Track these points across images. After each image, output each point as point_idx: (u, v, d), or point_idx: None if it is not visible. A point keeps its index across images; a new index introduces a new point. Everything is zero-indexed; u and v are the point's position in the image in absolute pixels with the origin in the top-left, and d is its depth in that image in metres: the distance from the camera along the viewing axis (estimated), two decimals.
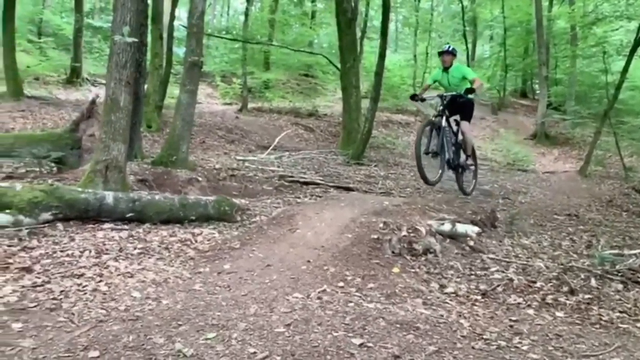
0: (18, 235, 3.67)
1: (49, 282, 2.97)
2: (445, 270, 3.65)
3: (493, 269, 3.81)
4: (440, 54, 6.41)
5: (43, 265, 3.21)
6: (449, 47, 6.37)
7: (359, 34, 15.25)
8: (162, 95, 11.81)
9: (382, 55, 10.70)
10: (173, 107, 11.09)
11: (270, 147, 10.17)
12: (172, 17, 12.90)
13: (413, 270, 3.53)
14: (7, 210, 3.85)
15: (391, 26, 20.63)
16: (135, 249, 3.78)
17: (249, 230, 4.38)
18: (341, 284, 3.16)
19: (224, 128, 12.56)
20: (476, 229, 4.28)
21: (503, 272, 3.78)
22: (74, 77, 15.92)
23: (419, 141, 5.66)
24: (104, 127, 5.11)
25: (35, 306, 2.67)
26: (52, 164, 6.14)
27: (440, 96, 6.17)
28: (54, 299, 2.78)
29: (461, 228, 4.17)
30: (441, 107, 6.07)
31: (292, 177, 7.33)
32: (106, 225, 4.22)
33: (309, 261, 3.47)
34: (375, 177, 8.08)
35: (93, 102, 6.32)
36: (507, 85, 22.34)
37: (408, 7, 23.34)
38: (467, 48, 20.99)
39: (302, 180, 7.15)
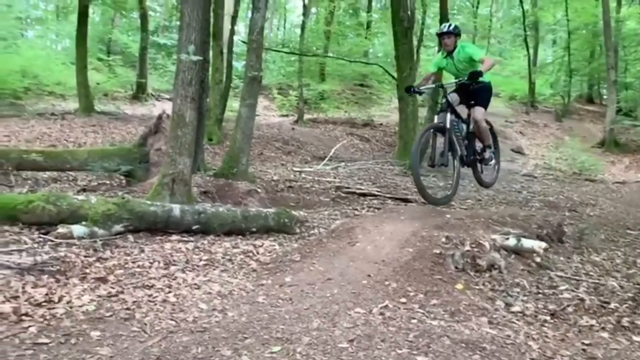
0: (93, 246, 3.89)
1: (122, 293, 3.13)
2: (510, 288, 3.53)
3: (562, 288, 3.65)
4: (440, 35, 5.35)
5: (116, 276, 3.39)
6: (450, 25, 5.33)
7: (415, 42, 15.11)
8: (222, 108, 12.18)
9: None
10: (233, 120, 11.46)
11: (326, 158, 10.25)
12: (232, 33, 13.33)
13: (477, 286, 3.44)
14: (84, 222, 4.10)
15: None
16: (200, 260, 3.92)
17: (309, 242, 4.42)
18: (403, 299, 3.13)
19: (281, 140, 12.78)
20: (543, 244, 4.11)
21: (573, 291, 3.60)
22: (139, 92, 16.75)
23: (417, 152, 4.84)
24: (171, 141, 5.33)
25: (110, 315, 2.81)
26: (122, 177, 6.48)
27: (440, 86, 5.29)
28: (127, 309, 2.92)
29: (527, 243, 4.02)
30: (444, 101, 5.18)
31: (348, 188, 7.34)
32: (173, 237, 4.40)
33: (369, 275, 3.46)
34: (433, 188, 7.93)
35: (160, 117, 6.62)
36: (572, 91, 21.40)
37: (466, 14, 22.91)
38: (528, 53, 20.33)
39: (359, 191, 7.15)
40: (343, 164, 10.01)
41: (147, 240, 4.24)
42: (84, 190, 5.85)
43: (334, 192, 7.16)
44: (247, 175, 7.38)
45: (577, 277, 3.92)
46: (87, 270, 3.41)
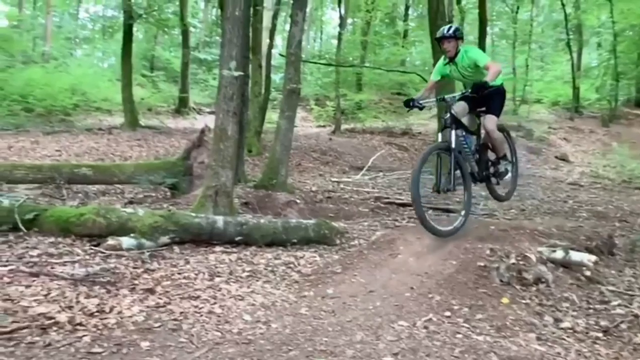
0: (141, 258, 4.01)
1: (169, 304, 3.21)
2: (559, 303, 3.41)
3: (614, 303, 3.50)
4: (439, 40, 4.65)
5: (164, 287, 3.48)
6: (449, 28, 4.64)
7: None
8: (261, 121, 12.39)
9: None
10: (271, 132, 11.63)
11: (365, 168, 10.23)
12: (270, 46, 13.57)
13: (524, 301, 3.35)
14: (132, 234, 4.24)
15: (487, 40, 20.02)
16: (244, 271, 3.98)
17: (350, 254, 4.42)
18: (447, 313, 3.08)
19: (319, 150, 12.86)
20: (592, 257, 3.96)
21: (626, 306, 3.46)
22: (181, 106, 17.25)
23: (417, 177, 4.08)
24: (214, 155, 5.46)
25: (159, 326, 2.89)
26: (167, 190, 6.68)
27: (442, 99, 4.51)
28: (174, 319, 3.00)
29: (575, 256, 3.88)
30: (447, 116, 4.44)
31: (387, 198, 7.30)
32: (217, 248, 4.49)
33: (412, 288, 3.43)
34: (476, 198, 7.78)
35: (203, 131, 6.79)
36: (619, 95, 20.60)
37: (505, 19, 22.50)
38: (571, 57, 19.74)
39: (398, 201, 7.10)
40: (381, 173, 9.97)
41: (192, 252, 4.34)
42: (131, 202, 6.05)
43: (373, 203, 7.14)
44: (286, 186, 7.46)
45: (630, 292, 3.76)
46: (136, 282, 3.52)
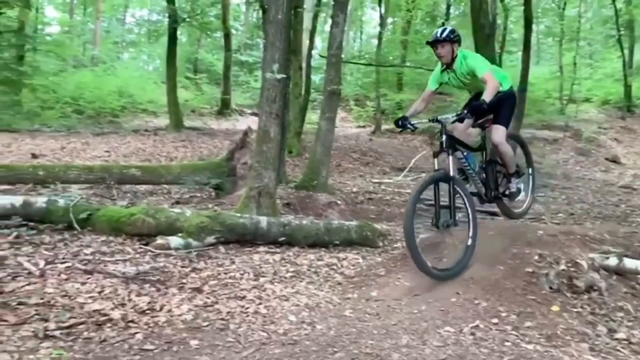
0: (188, 257, 4.12)
1: (216, 303, 3.29)
2: (613, 312, 3.28)
3: None
4: (432, 44, 4.06)
5: (211, 287, 3.56)
6: (443, 31, 4.06)
7: (497, 49, 14.61)
8: (301, 122, 12.47)
9: (525, 70, 10.17)
10: (311, 133, 11.69)
11: (406, 169, 10.14)
12: (310, 47, 13.65)
13: (575, 309, 3.24)
14: (179, 234, 4.36)
15: (532, 37, 19.44)
16: (287, 272, 4.02)
17: (393, 257, 4.40)
18: (495, 320, 3.02)
19: (359, 151, 12.82)
20: None
21: None
22: (224, 108, 17.58)
23: (412, 212, 3.66)
24: (257, 156, 5.54)
25: (207, 325, 2.97)
26: (211, 190, 6.82)
27: (435, 120, 3.92)
28: (222, 319, 3.07)
29: (630, 263, 3.72)
30: (443, 139, 3.86)
31: (429, 200, 7.19)
32: (261, 249, 4.55)
33: (458, 293, 3.38)
34: (439, 256, 7.59)
35: (246, 133, 6.90)
36: None
37: (551, 16, 21.80)
38: (623, 54, 18.93)
39: (442, 203, 6.98)
40: (424, 174, 9.84)
41: (237, 252, 4.42)
42: (178, 202, 6.22)
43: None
44: (327, 187, 7.48)
45: None
46: (184, 280, 3.62)
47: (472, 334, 2.85)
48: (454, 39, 4.02)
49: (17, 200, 4.53)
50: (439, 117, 3.91)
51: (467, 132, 4.33)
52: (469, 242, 3.82)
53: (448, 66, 4.13)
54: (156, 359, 2.51)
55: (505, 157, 4.35)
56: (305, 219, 5.27)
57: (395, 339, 2.75)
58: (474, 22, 11.54)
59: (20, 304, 2.96)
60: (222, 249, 4.44)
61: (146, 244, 4.28)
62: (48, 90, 15.69)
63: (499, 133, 4.21)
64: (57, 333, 2.65)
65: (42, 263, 3.62)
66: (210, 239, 4.44)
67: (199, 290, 3.48)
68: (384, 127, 16.26)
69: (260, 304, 3.33)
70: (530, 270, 3.52)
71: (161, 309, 3.11)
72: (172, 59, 14.65)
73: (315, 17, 14.62)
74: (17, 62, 15.14)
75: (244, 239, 4.62)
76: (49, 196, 4.85)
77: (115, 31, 26.31)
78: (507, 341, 2.77)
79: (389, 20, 22.26)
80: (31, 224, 4.42)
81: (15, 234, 4.20)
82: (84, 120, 14.69)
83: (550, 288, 3.41)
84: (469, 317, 3.06)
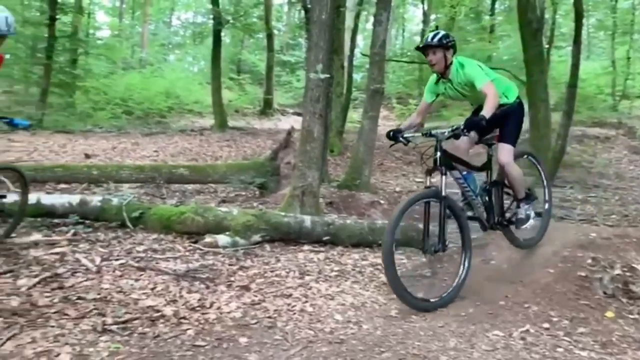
0: (235, 255, 4.21)
1: (264, 301, 3.35)
2: None
3: None
4: (423, 50, 3.66)
5: (258, 284, 3.63)
6: (435, 35, 3.59)
7: (545, 44, 14.16)
8: (343, 121, 12.47)
9: (575, 65, 9.80)
10: (352, 132, 11.67)
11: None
12: (353, 46, 13.63)
13: (631, 316, 3.11)
14: (227, 232, 4.47)
15: (583, 31, 18.73)
16: (332, 271, 4.05)
17: (439, 258, 4.34)
18: (546, 325, 2.95)
19: (401, 150, 12.68)
20: None
21: None
22: (266, 108, 17.82)
23: (392, 234, 3.24)
24: (300, 156, 5.60)
25: (255, 323, 3.03)
26: (256, 189, 6.94)
27: (429, 134, 3.52)
28: (269, 317, 3.12)
29: None
30: (437, 155, 3.46)
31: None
32: (305, 247, 4.60)
33: (507, 296, 3.31)
34: (571, 201, 7.35)
35: (289, 133, 6.98)
36: None
37: (603, 9, 20.90)
38: None
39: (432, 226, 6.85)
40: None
41: (282, 250, 4.49)
42: (224, 201, 6.35)
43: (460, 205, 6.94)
44: (370, 186, 7.46)
45: None
46: (232, 278, 3.71)
47: (523, 338, 2.79)
48: (447, 44, 3.56)
49: (74, 199, 4.76)
50: (433, 131, 3.49)
51: (471, 150, 3.89)
52: (461, 272, 3.45)
53: (443, 75, 3.68)
54: (207, 356, 2.57)
55: (513, 179, 3.82)
56: (348, 219, 5.29)
57: (442, 342, 2.73)
58: (521, 17, 11.22)
59: (79, 298, 3.12)
60: (267, 247, 4.52)
61: (195, 242, 4.41)
62: (99, 92, 16.32)
63: (504, 152, 3.73)
64: (114, 328, 2.77)
65: (98, 260, 3.79)
66: (256, 238, 4.53)
67: (246, 288, 3.56)
68: (426, 125, 16.06)
69: (306, 302, 3.37)
70: (582, 274, 3.41)
71: (211, 306, 3.20)
72: (216, 60, 14.96)
73: (357, 16, 14.59)
74: (70, 66, 15.86)
75: (288, 237, 4.68)
76: (103, 195, 5.06)
77: (162, 34, 27.12)
78: (560, 347, 2.69)
79: (432, 17, 21.93)
80: (87, 221, 4.64)
81: (72, 231, 4.42)
82: (133, 120, 15.21)
83: (605, 293, 3.29)
84: (518, 321, 2.99)
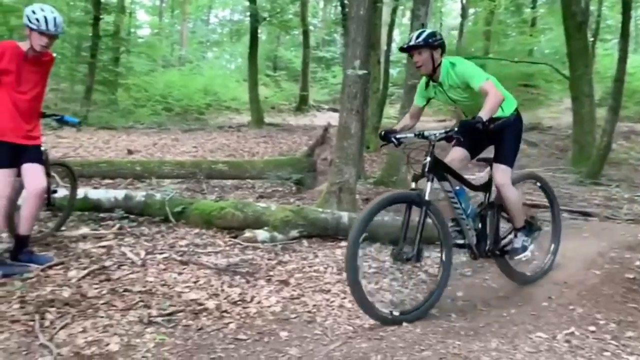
0: (274, 250, 4.27)
1: (303, 296, 3.39)
2: None
3: None
4: (408, 51, 3.33)
5: (296, 279, 3.68)
6: (420, 35, 3.23)
7: (589, 37, 13.66)
8: (379, 117, 12.40)
9: (622, 59, 9.41)
10: (388, 127, 11.59)
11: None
12: (389, 41, 13.52)
13: None
14: (266, 228, 4.53)
15: (630, 24, 17.93)
16: (370, 267, 4.05)
17: (541, 230, 4.22)
18: (592, 328, 2.86)
19: (439, 145, 12.50)
20: None
21: None
22: (302, 104, 17.93)
23: (357, 237, 2.97)
24: (337, 152, 5.61)
25: (295, 317, 3.07)
26: (292, 185, 6.99)
27: (421, 135, 3.17)
28: (309, 312, 3.16)
29: None
30: (427, 160, 3.13)
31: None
32: (342, 243, 4.60)
33: (550, 297, 3.24)
34: (617, 200, 7.07)
35: (326, 129, 7.00)
36: None
37: None
38: None
39: (528, 202, 6.68)
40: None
41: (320, 246, 4.52)
42: (262, 197, 6.44)
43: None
44: (406, 183, 7.40)
45: None
46: (271, 273, 3.76)
47: (567, 341, 2.72)
48: (433, 43, 3.19)
49: (120, 194, 4.92)
50: (425, 133, 3.15)
51: (466, 164, 3.49)
52: (435, 287, 3.17)
53: (432, 78, 3.31)
54: (249, 349, 2.63)
55: (510, 204, 3.40)
56: (386, 216, 5.26)
57: (484, 342, 2.69)
58: (565, 9, 10.88)
59: (126, 290, 3.24)
60: (305, 242, 4.55)
61: (235, 237, 4.49)
62: (140, 89, 16.80)
63: (499, 173, 3.33)
64: (159, 320, 2.86)
65: (142, 253, 3.92)
66: (294, 233, 4.57)
67: (285, 282, 3.61)
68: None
69: (344, 298, 3.38)
70: (631, 276, 3.30)
71: (251, 300, 3.26)
72: (253, 57, 15.15)
73: (393, 11, 14.48)
74: (113, 64, 16.37)
75: (325, 233, 4.70)
76: (147, 190, 5.21)
77: (200, 31, 27.61)
78: (606, 351, 2.61)
79: (471, 10, 21.47)
80: (132, 216, 4.79)
81: (118, 225, 4.57)
82: (172, 117, 15.58)
83: None
84: (562, 323, 2.92)
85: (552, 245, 3.74)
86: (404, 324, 2.97)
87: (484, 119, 2.89)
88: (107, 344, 2.56)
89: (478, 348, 2.62)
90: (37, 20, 3.33)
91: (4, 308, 2.86)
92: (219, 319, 2.97)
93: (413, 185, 3.14)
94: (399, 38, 20.79)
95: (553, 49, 19.84)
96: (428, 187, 3.09)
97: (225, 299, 3.23)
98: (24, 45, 3.44)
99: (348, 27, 5.95)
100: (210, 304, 3.13)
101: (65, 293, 3.12)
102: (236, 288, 3.42)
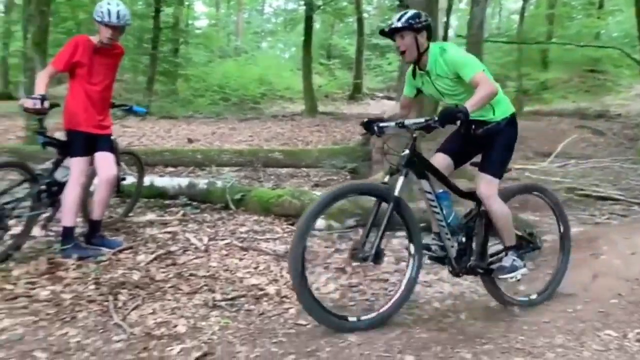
0: (330, 238, 4.31)
1: (360, 284, 3.41)
2: None
3: None
4: (390, 35, 2.89)
5: (353, 268, 3.69)
6: (402, 16, 2.82)
7: None
8: (435, 104, 12.15)
9: None
10: None
11: (553, 155, 9.37)
12: (446, 27, 13.18)
13: None
14: (322, 216, 4.56)
15: None
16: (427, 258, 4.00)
17: (541, 250, 4.13)
18: None
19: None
20: None
21: None
22: (355, 92, 17.84)
23: (303, 236, 2.63)
24: (394, 141, 5.55)
25: (353, 305, 3.10)
26: (347, 174, 7.00)
27: (401, 125, 2.77)
28: (366, 300, 3.18)
29: None
30: (405, 153, 2.78)
31: (582, 190, 6.60)
32: (399, 233, 4.49)
33: (620, 295, 3.10)
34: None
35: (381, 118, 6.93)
36: None
37: None
38: None
39: (595, 194, 6.38)
40: (573, 161, 9.03)
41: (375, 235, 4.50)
42: (317, 185, 6.49)
43: (564, 194, 6.53)
44: (465, 172, 7.21)
45: None
46: (329, 261, 3.81)
47: (639, 340, 2.60)
48: (416, 25, 2.77)
49: (183, 182, 5.12)
50: (406, 122, 2.77)
51: (449, 173, 3.04)
52: (397, 295, 2.83)
53: (418, 66, 2.91)
54: (309, 334, 2.67)
55: (496, 219, 2.96)
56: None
57: (548, 338, 2.62)
58: None
59: (191, 275, 3.37)
60: (360, 231, 4.55)
61: (292, 224, 4.56)
62: (199, 80, 17.27)
63: (484, 184, 2.92)
64: (223, 304, 2.97)
65: (205, 239, 4.06)
66: (350, 222, 4.59)
67: (342, 270, 3.64)
68: (526, 108, 15.20)
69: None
70: None
71: (310, 286, 3.30)
72: (307, 46, 15.21)
73: None
74: (173, 55, 16.90)
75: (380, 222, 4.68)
76: (209, 178, 5.38)
77: (255, 21, 27.97)
78: None
79: None
80: (194, 203, 4.97)
81: (182, 212, 4.76)
82: (229, 107, 15.94)
83: None
84: (634, 322, 2.78)
85: (557, 268, 3.33)
86: (463, 316, 2.93)
87: (469, 110, 2.55)
88: (175, 326, 2.68)
89: (542, 344, 2.55)
90: (102, 13, 3.50)
91: (81, 289, 3.06)
92: (279, 304, 3.04)
93: (386, 179, 2.81)
94: (455, 24, 20.21)
95: (622, 31, 18.67)
96: (400, 182, 2.75)
97: (284, 284, 3.30)
98: (95, 39, 3.62)
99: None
100: (271, 289, 3.21)
101: (135, 276, 3.29)
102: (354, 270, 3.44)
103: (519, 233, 3.19)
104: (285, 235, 4.34)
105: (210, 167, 6.64)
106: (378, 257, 2.74)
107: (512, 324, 2.83)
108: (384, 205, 2.76)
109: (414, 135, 2.78)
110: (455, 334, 2.69)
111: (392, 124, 2.88)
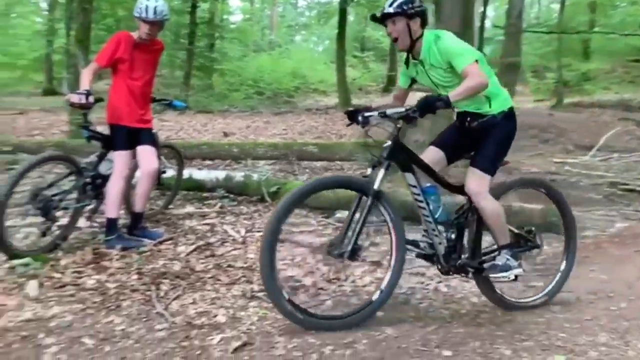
0: (366, 232, 4.30)
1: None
2: None
3: None
4: (382, 21, 2.75)
5: (388, 261, 3.68)
6: (392, 2, 2.67)
7: None
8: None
9: None
10: None
11: (595, 148, 9.09)
12: (483, 18, 12.91)
13: None
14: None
15: None
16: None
17: (583, 246, 4.03)
18: None
19: (537, 127, 11.80)
20: None
21: None
22: (389, 85, 17.67)
23: (274, 235, 2.61)
24: (429, 134, 5.50)
25: (392, 299, 3.09)
26: None
27: (384, 115, 2.65)
28: (403, 293, 3.18)
29: None
30: (387, 144, 2.72)
31: (626, 185, 6.39)
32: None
33: None
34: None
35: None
36: None
37: None
38: None
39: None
40: (616, 154, 8.73)
41: (410, 229, 4.47)
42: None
43: (606, 189, 6.33)
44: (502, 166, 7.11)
45: None
46: (364, 254, 3.79)
47: None
48: (408, 11, 2.64)
49: (221, 174, 5.22)
50: (388, 111, 2.63)
51: (441, 168, 2.93)
52: (377, 293, 2.73)
53: (412, 54, 2.79)
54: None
55: (487, 217, 2.80)
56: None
57: (591, 336, 2.56)
58: None
59: (229, 266, 3.45)
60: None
61: (327, 217, 4.59)
62: (234, 74, 17.47)
63: (474, 179, 2.76)
64: (260, 295, 3.01)
65: (242, 231, 4.14)
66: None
67: (378, 263, 3.64)
68: (566, 100, 14.75)
69: (440, 282, 3.36)
70: None
71: (346, 279, 3.33)
72: (341, 38, 15.14)
73: None
74: (208, 50, 17.13)
75: (413, 216, 4.65)
76: (245, 171, 5.46)
77: (289, 15, 28.02)
78: None
79: None
80: (231, 195, 5.05)
81: (220, 204, 4.85)
82: (264, 100, 16.07)
83: None
84: None
85: (561, 267, 3.15)
86: (498, 312, 2.89)
87: (451, 100, 2.44)
88: (215, 315, 2.74)
89: (585, 342, 2.50)
90: (140, 9, 3.59)
91: (125, 278, 3.17)
92: (315, 296, 3.07)
93: (369, 171, 2.70)
94: (492, 14, 19.73)
95: None
96: (380, 175, 2.64)
97: (320, 276, 3.33)
98: (135, 35, 3.71)
99: (442, 3, 5.76)
100: (307, 281, 3.25)
101: (176, 267, 3.38)
102: (330, 267, 3.49)
103: (516, 230, 3.05)
104: (320, 227, 4.37)
105: (246, 160, 6.73)
106: (355, 253, 2.66)
107: (552, 321, 2.77)
108: (364, 199, 2.66)
109: (398, 125, 2.66)
110: (493, 329, 2.66)
111: (375, 113, 2.75)
